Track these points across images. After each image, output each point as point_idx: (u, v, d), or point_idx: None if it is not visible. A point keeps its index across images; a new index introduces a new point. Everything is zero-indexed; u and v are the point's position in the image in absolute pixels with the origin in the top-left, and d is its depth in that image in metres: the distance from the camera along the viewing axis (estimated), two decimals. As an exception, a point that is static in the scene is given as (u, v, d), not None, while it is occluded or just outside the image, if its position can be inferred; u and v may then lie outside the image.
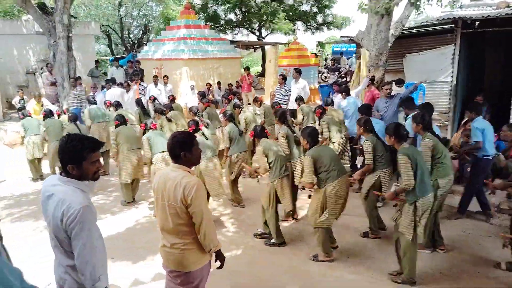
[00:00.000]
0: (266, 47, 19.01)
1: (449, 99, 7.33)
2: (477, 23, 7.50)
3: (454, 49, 7.05)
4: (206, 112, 7.96)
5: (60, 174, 2.43)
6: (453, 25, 7.23)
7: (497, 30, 6.54)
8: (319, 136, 5.52)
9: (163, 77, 12.57)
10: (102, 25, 23.64)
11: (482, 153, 5.50)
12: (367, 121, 5.30)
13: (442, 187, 4.56)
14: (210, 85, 13.76)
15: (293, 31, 24.79)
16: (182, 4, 18.64)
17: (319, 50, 29.03)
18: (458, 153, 6.02)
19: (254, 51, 23.80)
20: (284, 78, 10.75)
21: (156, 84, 12.16)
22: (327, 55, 27.66)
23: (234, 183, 6.43)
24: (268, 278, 4.47)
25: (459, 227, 5.62)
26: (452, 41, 8.02)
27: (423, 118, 4.80)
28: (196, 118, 6.38)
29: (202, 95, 9.57)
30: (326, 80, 18.99)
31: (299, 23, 24.99)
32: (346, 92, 7.82)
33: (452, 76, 7.16)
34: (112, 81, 11.22)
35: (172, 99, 9.77)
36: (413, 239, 4.13)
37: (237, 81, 14.60)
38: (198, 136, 5.55)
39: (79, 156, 2.35)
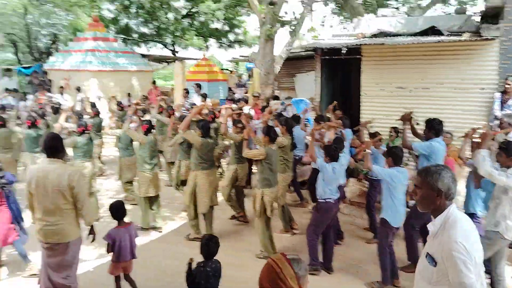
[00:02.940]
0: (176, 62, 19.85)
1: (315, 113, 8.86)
2: (343, 50, 9.12)
3: (315, 72, 8.61)
4: (93, 120, 8.67)
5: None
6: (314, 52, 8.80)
7: (349, 57, 8.16)
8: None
9: (60, 87, 12.86)
10: (7, 33, 22.76)
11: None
12: (238, 121, 6.54)
13: (281, 181, 5.80)
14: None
15: (207, 47, 25.91)
16: (91, 15, 18.83)
17: (234, 66, 30.43)
18: None
19: (168, 64, 24.41)
20: (187, 92, 11.73)
21: (62, 94, 12.47)
22: (241, 71, 29.11)
23: None
24: (153, 261, 5.38)
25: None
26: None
27: (286, 122, 6.23)
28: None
29: (93, 105, 10.12)
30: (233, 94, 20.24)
31: (212, 40, 26.17)
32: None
33: (315, 95, 8.71)
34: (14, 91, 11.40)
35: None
36: (263, 221, 5.28)
37: (143, 95, 15.25)
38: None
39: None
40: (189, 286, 3.52)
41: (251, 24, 28.58)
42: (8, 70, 16.11)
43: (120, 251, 4.07)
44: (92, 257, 5.28)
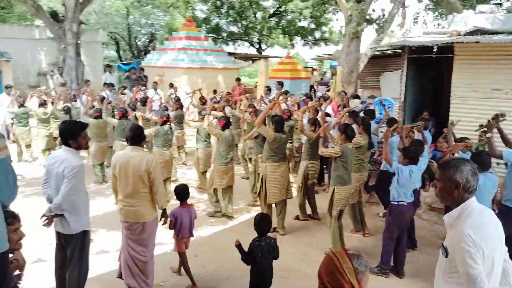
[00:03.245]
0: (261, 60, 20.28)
1: (398, 113, 8.49)
2: (435, 49, 8.60)
3: (402, 71, 8.20)
4: (175, 112, 9.10)
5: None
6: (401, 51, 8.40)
7: (439, 55, 7.67)
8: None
9: (154, 83, 13.78)
10: (111, 32, 25.00)
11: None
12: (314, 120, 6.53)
13: (354, 180, 5.65)
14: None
15: (292, 45, 26.04)
16: (186, 16, 20.00)
17: (318, 64, 30.18)
18: None
19: (252, 62, 25.02)
20: (269, 89, 11.92)
21: (155, 89, 13.40)
22: (325, 69, 28.78)
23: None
24: (225, 245, 5.57)
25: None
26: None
27: (363, 121, 6.03)
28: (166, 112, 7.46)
29: (177, 99, 10.60)
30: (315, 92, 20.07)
31: (297, 38, 26.24)
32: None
33: (400, 94, 8.32)
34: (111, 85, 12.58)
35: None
36: (333, 217, 5.21)
37: (228, 92, 15.78)
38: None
39: (75, 133, 3.60)
40: (247, 262, 3.79)
41: (338, 21, 28.02)
42: (109, 66, 17.75)
43: (181, 229, 4.49)
44: (169, 241, 5.63)
